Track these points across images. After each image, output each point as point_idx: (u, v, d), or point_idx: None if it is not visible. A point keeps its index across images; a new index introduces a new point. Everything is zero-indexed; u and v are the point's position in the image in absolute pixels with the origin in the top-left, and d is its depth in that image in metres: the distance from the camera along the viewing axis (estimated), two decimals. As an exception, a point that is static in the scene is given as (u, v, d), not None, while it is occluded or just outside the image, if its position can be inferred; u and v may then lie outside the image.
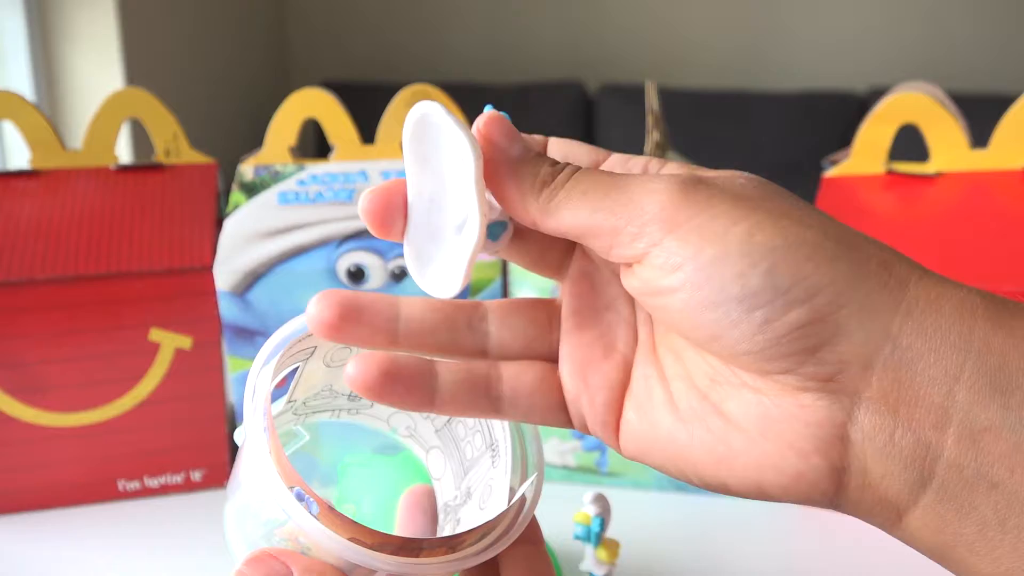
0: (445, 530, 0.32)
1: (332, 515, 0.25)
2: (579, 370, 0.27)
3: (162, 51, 1.81)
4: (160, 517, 0.57)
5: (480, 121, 0.26)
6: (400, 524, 0.33)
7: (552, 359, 0.28)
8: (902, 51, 2.49)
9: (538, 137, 0.28)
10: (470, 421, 0.32)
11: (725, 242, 0.23)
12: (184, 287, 0.55)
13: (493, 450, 0.31)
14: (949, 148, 0.57)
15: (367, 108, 0.90)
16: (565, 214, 0.25)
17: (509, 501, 0.29)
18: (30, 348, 0.54)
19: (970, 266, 0.51)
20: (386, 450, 0.35)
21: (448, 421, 0.33)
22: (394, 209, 0.27)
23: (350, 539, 0.25)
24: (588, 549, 0.47)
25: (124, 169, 0.60)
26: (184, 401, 0.57)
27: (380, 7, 2.63)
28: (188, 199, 0.59)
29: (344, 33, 2.65)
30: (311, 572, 0.25)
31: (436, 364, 0.27)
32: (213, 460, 0.59)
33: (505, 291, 0.58)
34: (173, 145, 0.61)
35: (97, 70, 1.62)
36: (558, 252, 0.28)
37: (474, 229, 0.25)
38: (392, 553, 0.25)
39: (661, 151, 0.58)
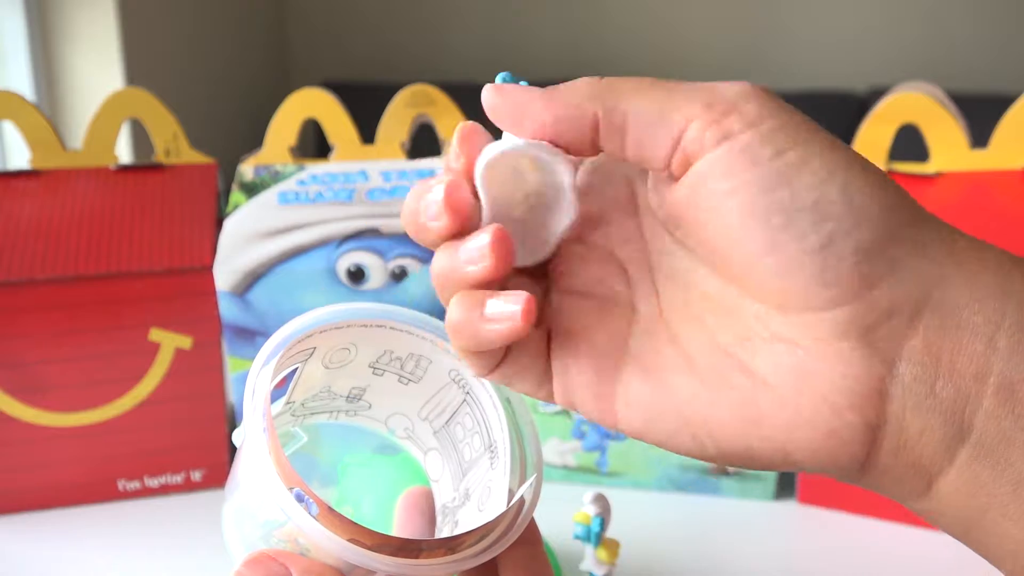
0: (443, 532, 0.32)
1: (331, 516, 0.25)
2: (570, 339, 0.26)
3: (162, 51, 1.81)
4: (160, 517, 0.57)
5: (496, 95, 0.26)
6: (397, 526, 0.33)
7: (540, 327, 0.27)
8: (902, 51, 2.49)
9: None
10: (469, 423, 0.32)
11: (807, 147, 0.22)
12: (184, 287, 0.55)
13: (492, 451, 0.31)
14: (949, 148, 0.57)
15: (367, 108, 0.90)
16: (632, 97, 0.24)
17: (508, 502, 0.29)
18: (30, 348, 0.54)
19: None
20: (386, 450, 0.35)
21: (446, 423, 0.33)
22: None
23: (349, 540, 0.25)
24: (588, 549, 0.47)
25: (124, 169, 0.60)
26: (184, 401, 0.57)
27: (380, 7, 2.63)
28: (188, 199, 0.59)
29: (344, 33, 2.65)
30: (310, 574, 0.25)
31: None
32: (213, 460, 0.59)
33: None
34: (173, 145, 0.61)
35: (97, 70, 1.62)
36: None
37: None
38: (391, 554, 0.25)
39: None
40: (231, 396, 0.60)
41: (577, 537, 0.46)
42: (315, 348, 0.30)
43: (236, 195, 0.59)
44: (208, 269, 0.55)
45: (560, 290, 0.27)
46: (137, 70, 1.66)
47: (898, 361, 0.22)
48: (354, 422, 0.34)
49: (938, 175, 0.57)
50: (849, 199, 0.22)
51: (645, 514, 0.57)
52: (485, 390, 0.31)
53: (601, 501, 0.46)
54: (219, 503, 0.30)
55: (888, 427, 0.22)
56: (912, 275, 0.22)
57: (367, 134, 0.61)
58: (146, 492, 0.59)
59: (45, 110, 1.59)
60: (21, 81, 1.56)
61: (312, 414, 0.33)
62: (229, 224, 0.57)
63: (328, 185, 0.59)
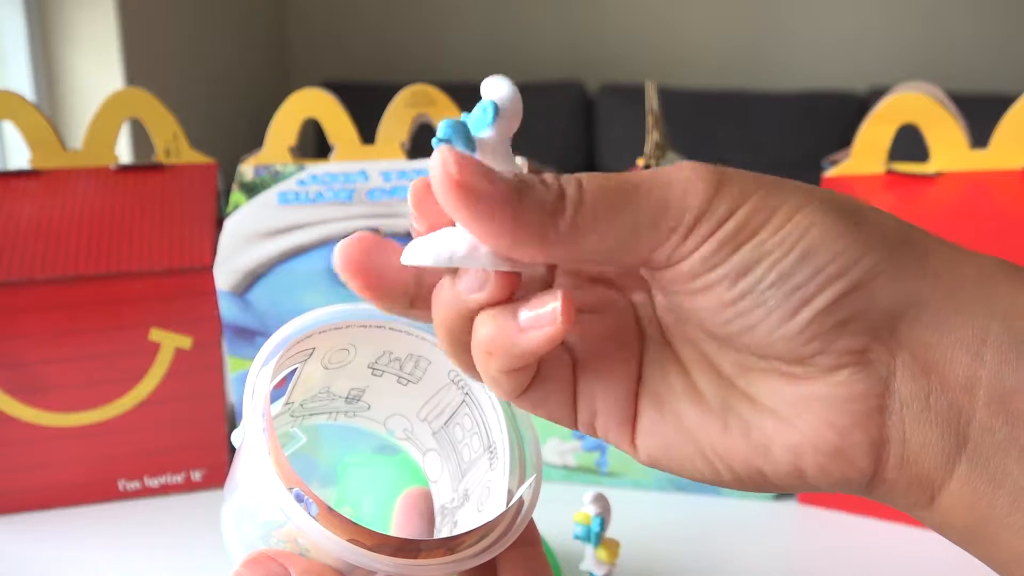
0: (442, 532, 0.32)
1: (331, 516, 0.25)
2: (592, 365, 0.26)
3: (162, 51, 1.81)
4: (160, 517, 0.57)
5: (448, 165, 0.21)
6: (396, 527, 0.33)
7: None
8: (902, 51, 2.49)
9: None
10: (468, 423, 0.32)
11: (764, 227, 0.22)
12: (184, 287, 0.55)
13: (491, 452, 0.31)
14: (949, 148, 0.57)
15: (367, 108, 0.90)
16: (591, 238, 0.22)
17: (507, 503, 0.29)
18: (30, 348, 0.54)
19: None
20: (385, 450, 0.35)
21: (445, 424, 0.33)
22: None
23: (349, 540, 0.25)
24: (588, 549, 0.47)
25: (124, 169, 0.60)
26: (184, 401, 0.57)
27: (380, 7, 2.64)
28: (188, 199, 0.59)
29: (344, 33, 2.65)
30: (310, 574, 0.25)
31: None
32: (213, 460, 0.59)
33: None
34: (173, 145, 0.61)
35: (97, 70, 1.62)
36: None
37: None
38: (391, 554, 0.25)
39: (661, 151, 0.58)
40: (231, 396, 0.60)
41: (577, 537, 0.46)
42: (314, 348, 0.30)
43: (236, 195, 0.59)
44: (208, 269, 0.55)
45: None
46: (137, 70, 1.66)
47: (892, 378, 0.23)
48: (353, 423, 0.34)
49: (938, 175, 0.57)
50: (812, 263, 0.22)
51: (645, 514, 0.57)
52: (484, 391, 0.31)
53: (601, 501, 0.46)
54: (219, 503, 0.30)
55: (892, 441, 0.23)
56: (887, 301, 0.22)
57: (367, 134, 0.61)
58: (146, 492, 0.59)
59: (45, 110, 1.59)
60: (21, 81, 1.56)
61: (311, 415, 0.33)
62: (229, 224, 0.57)
63: (328, 185, 0.59)
